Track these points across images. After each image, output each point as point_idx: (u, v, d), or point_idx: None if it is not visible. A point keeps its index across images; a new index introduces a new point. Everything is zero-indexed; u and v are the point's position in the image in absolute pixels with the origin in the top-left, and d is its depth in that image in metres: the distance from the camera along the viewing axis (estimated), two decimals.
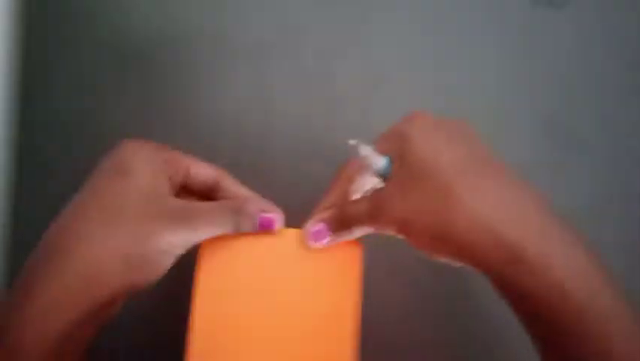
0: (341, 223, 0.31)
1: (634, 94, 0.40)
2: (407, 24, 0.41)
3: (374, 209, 0.30)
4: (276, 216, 0.32)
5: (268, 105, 0.40)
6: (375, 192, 0.31)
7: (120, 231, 0.29)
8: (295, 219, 0.33)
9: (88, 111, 0.41)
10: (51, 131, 0.41)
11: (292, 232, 0.33)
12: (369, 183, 0.33)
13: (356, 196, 0.33)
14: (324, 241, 0.32)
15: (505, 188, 0.28)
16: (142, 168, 0.31)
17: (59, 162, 0.41)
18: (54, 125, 0.41)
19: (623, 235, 0.39)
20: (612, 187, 0.40)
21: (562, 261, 0.26)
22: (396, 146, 0.30)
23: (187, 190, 0.33)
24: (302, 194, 0.37)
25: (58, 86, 0.41)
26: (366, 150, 0.30)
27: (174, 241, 0.30)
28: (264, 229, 0.31)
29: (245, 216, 0.31)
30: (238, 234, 0.32)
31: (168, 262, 0.30)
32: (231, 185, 0.33)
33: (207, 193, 0.33)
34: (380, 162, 0.30)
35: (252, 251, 0.32)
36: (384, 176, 0.30)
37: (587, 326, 0.25)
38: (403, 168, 0.29)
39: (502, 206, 0.27)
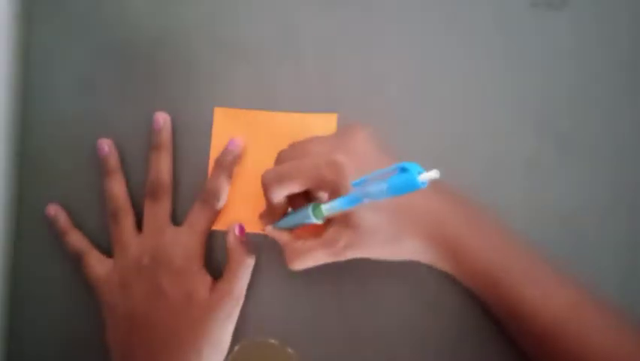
0: (286, 255, 0.36)
1: (633, 94, 0.40)
2: (407, 24, 0.41)
3: (333, 254, 0.35)
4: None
5: (268, 105, 0.40)
6: (327, 240, 0.34)
7: None
8: None
9: (88, 111, 0.41)
10: (51, 131, 0.41)
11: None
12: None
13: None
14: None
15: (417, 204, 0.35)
16: None
17: (59, 162, 0.41)
18: (54, 125, 0.41)
19: (624, 234, 0.39)
20: (612, 187, 0.40)
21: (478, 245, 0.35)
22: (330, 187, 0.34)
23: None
24: None
25: (58, 86, 0.41)
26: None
27: None
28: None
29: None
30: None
31: None
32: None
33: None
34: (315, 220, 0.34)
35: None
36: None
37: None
38: (352, 233, 0.34)
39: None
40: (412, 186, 0.27)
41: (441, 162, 0.35)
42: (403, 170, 0.27)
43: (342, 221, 0.34)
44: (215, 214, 0.39)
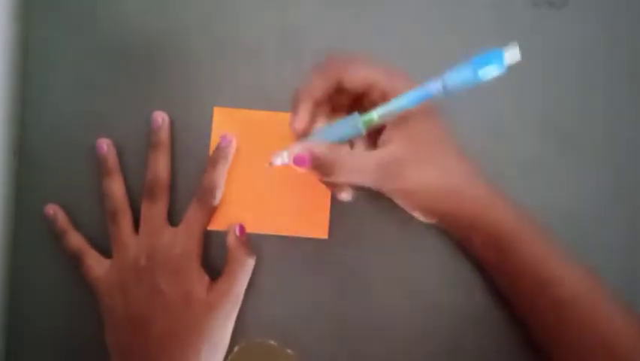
0: (330, 168, 0.32)
1: (634, 94, 0.40)
2: (407, 24, 0.41)
3: (384, 175, 0.33)
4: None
5: (268, 105, 0.40)
6: (383, 157, 0.33)
7: None
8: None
9: (86, 111, 0.41)
10: (50, 131, 0.41)
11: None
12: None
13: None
14: (300, 169, 0.33)
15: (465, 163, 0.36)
16: None
17: (58, 162, 0.41)
18: (53, 125, 0.41)
19: (624, 235, 0.39)
20: (612, 187, 0.40)
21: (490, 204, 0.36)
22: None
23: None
24: None
25: (57, 86, 0.41)
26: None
27: None
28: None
29: None
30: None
31: None
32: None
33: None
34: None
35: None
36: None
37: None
38: (412, 145, 0.33)
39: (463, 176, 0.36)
40: (499, 60, 0.28)
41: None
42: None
43: (400, 138, 0.33)
44: (212, 212, 0.39)
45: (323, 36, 0.41)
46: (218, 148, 0.39)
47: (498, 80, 0.40)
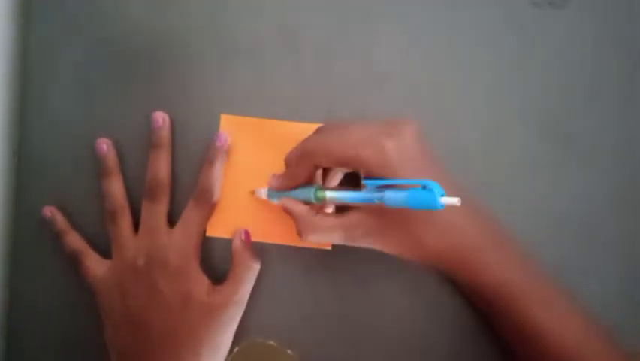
0: (298, 227, 0.35)
1: (634, 93, 0.40)
2: (407, 24, 0.41)
3: (351, 237, 0.34)
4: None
5: (268, 105, 0.40)
6: (349, 221, 0.34)
7: None
8: None
9: (86, 112, 0.41)
10: (50, 131, 0.41)
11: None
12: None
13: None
14: (271, 200, 0.38)
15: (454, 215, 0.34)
16: None
17: (58, 162, 0.41)
18: (53, 126, 0.41)
19: (623, 235, 0.39)
20: (611, 187, 0.40)
21: (486, 260, 0.35)
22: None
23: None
24: None
25: (56, 86, 0.41)
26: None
27: None
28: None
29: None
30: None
31: None
32: None
33: None
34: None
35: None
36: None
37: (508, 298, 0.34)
38: (374, 222, 0.34)
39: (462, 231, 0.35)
40: (431, 205, 0.28)
41: (442, 162, 0.35)
42: (424, 187, 0.29)
43: (366, 208, 0.34)
44: (210, 212, 0.39)
45: (323, 36, 0.41)
46: (214, 147, 0.39)
47: (498, 80, 0.40)
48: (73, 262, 0.39)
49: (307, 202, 0.36)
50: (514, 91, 0.40)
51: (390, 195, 0.30)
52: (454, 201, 0.28)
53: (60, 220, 0.40)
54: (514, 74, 0.40)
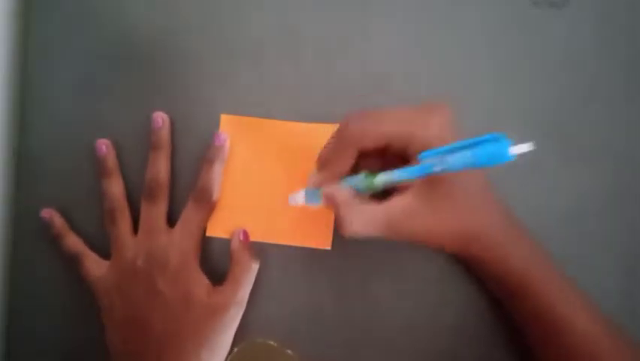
0: (343, 217, 0.33)
1: (634, 94, 0.40)
2: (407, 24, 0.41)
3: (392, 224, 0.33)
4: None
5: (268, 105, 0.40)
6: (393, 206, 0.33)
7: None
8: None
9: (86, 112, 0.41)
10: (49, 131, 0.41)
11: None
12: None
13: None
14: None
15: (494, 204, 0.36)
16: None
17: (57, 162, 0.41)
18: (52, 126, 0.41)
19: (623, 235, 0.39)
20: (611, 187, 0.40)
21: (514, 251, 0.35)
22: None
23: None
24: None
25: (56, 87, 0.41)
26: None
27: None
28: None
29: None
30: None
31: None
32: None
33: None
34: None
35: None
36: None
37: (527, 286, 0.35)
38: (426, 190, 0.33)
39: (489, 216, 0.35)
40: (500, 157, 0.26)
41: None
42: (489, 141, 0.26)
43: (411, 190, 0.33)
44: (209, 212, 0.39)
45: (323, 36, 0.41)
46: (213, 147, 0.39)
47: (498, 79, 0.40)
48: (73, 263, 0.39)
49: None
50: (514, 91, 0.40)
51: (452, 159, 0.28)
52: (526, 147, 0.25)
53: (58, 222, 0.40)
54: (515, 73, 0.40)
